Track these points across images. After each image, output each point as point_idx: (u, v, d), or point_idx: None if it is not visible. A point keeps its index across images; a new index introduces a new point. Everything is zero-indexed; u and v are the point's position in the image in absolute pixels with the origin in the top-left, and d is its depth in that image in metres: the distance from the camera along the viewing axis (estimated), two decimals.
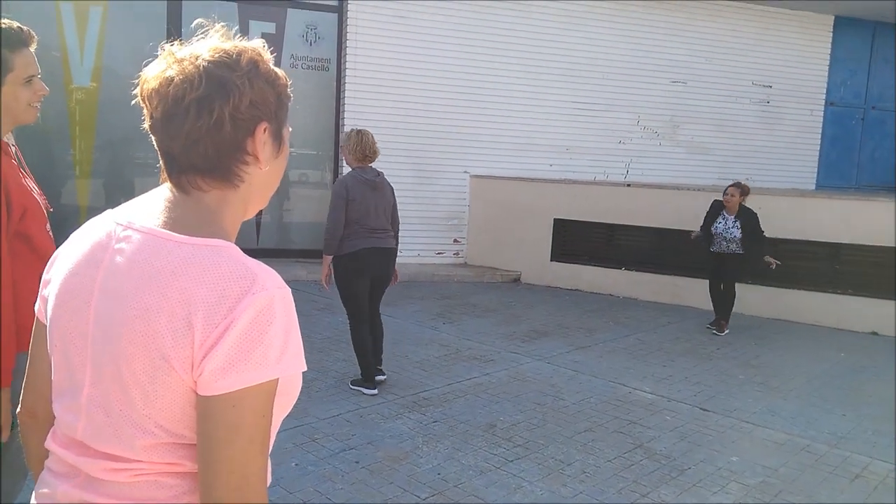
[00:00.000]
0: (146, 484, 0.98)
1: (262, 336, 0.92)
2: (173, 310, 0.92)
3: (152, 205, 1.03)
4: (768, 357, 5.88)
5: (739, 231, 6.36)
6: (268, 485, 1.07)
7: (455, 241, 9.08)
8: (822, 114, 10.78)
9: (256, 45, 1.05)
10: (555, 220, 8.55)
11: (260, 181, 1.06)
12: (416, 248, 8.86)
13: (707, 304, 7.10)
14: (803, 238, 7.17)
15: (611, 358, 5.55)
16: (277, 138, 1.06)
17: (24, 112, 1.87)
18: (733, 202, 6.38)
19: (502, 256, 8.83)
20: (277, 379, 0.94)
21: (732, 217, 6.43)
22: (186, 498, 0.99)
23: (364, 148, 4.58)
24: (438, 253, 9.00)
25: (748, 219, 6.38)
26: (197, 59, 0.99)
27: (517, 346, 5.71)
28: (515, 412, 4.25)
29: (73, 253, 1.07)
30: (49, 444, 1.08)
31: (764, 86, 10.35)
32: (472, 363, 5.18)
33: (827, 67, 10.68)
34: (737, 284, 6.69)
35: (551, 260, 8.55)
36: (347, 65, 8.42)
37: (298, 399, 1.04)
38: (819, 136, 10.84)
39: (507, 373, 5.00)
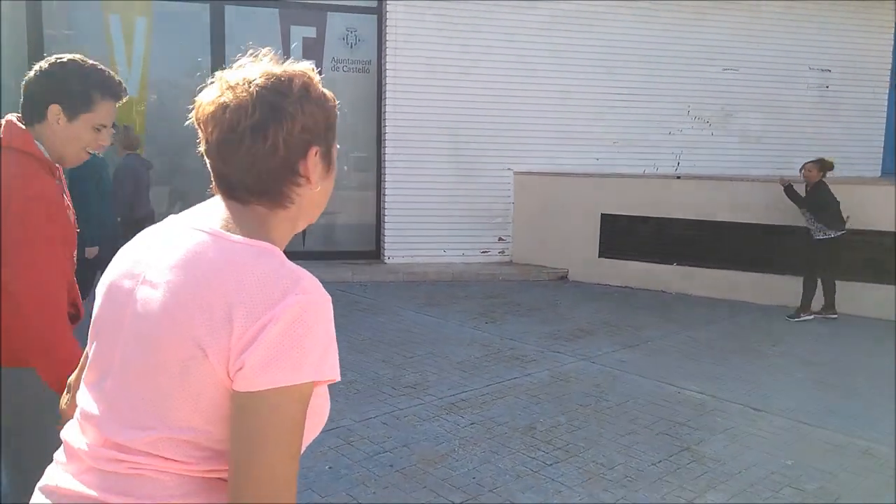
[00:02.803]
0: (144, 480, 0.97)
1: (303, 338, 0.93)
2: (215, 301, 0.94)
3: (211, 210, 1.06)
4: (828, 354, 5.58)
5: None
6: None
7: (500, 239, 8.97)
8: (886, 96, 10.22)
9: (306, 68, 1.08)
10: (602, 215, 8.35)
11: (310, 200, 1.09)
12: (460, 247, 8.80)
13: (763, 298, 6.97)
14: (867, 228, 6.79)
15: (659, 357, 5.36)
16: (327, 159, 1.10)
17: (76, 154, 1.89)
18: (810, 176, 6.57)
19: (549, 254, 8.67)
20: (313, 385, 0.95)
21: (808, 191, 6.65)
22: (181, 500, 0.97)
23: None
24: (483, 252, 8.91)
25: (818, 190, 6.50)
26: (250, 85, 1.01)
27: (561, 346, 5.57)
28: (556, 414, 4.13)
29: (130, 251, 1.11)
30: (63, 432, 1.10)
31: (822, 70, 9.88)
32: (514, 363, 5.08)
33: (891, 46, 10.11)
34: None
35: (599, 256, 8.35)
36: (388, 66, 8.41)
37: (335, 401, 1.01)
38: (884, 120, 10.29)
39: (549, 373, 4.88)
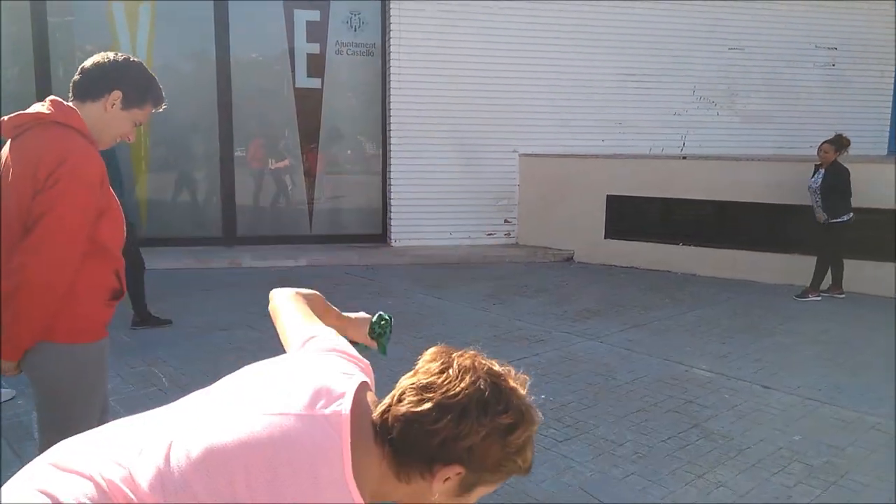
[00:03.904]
0: None
1: None
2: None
3: (368, 409, 1.08)
4: (836, 332, 5.60)
5: (821, 180, 6.49)
6: None
7: (506, 221, 8.98)
8: (893, 73, 10.16)
9: (534, 413, 1.07)
10: (608, 196, 8.36)
11: (420, 496, 1.06)
12: (466, 230, 8.82)
13: (770, 278, 7.02)
14: (873, 206, 6.78)
15: (667, 336, 5.39)
16: (466, 489, 1.05)
17: (111, 139, 2.05)
18: (826, 157, 6.52)
19: (554, 235, 8.69)
20: None
21: (822, 170, 6.56)
22: None
23: None
24: (489, 234, 8.93)
25: (835, 172, 6.44)
26: (472, 381, 1.02)
27: (569, 326, 5.61)
28: (566, 392, 4.17)
29: (303, 375, 1.13)
30: (88, 435, 1.11)
31: (829, 48, 9.82)
32: (522, 344, 5.11)
33: None
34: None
35: (605, 237, 8.38)
36: (392, 48, 8.39)
37: None
38: (890, 99, 10.23)
39: (557, 353, 4.92)
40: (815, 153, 6.65)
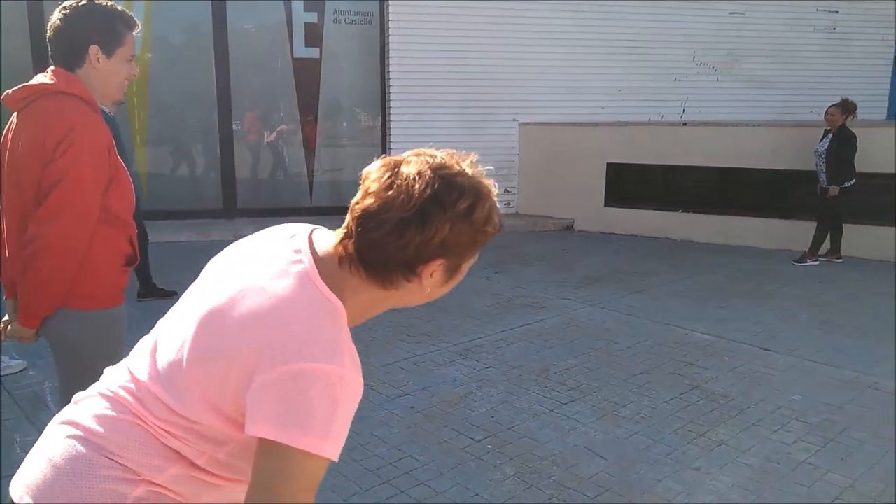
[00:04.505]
0: (131, 429, 1.08)
1: (316, 406, 0.95)
2: (265, 329, 1.00)
3: (328, 242, 1.11)
4: (833, 295, 5.67)
5: (827, 144, 6.49)
6: None
7: (506, 190, 8.99)
8: (893, 38, 10.10)
9: (486, 185, 1.07)
10: (608, 164, 8.37)
11: (412, 293, 1.10)
12: None
13: (768, 243, 7.05)
14: (872, 171, 6.80)
15: (667, 301, 5.45)
16: (452, 271, 1.10)
17: (119, 87, 2.01)
18: (833, 121, 6.50)
19: (554, 204, 8.72)
20: (321, 458, 0.97)
21: (831, 135, 6.55)
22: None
23: None
24: None
25: (841, 138, 6.43)
26: (426, 184, 1.01)
27: (570, 293, 5.67)
28: (569, 357, 4.24)
29: (255, 239, 1.20)
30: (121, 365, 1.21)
31: (830, 11, 9.74)
32: (525, 311, 5.17)
33: None
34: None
35: (605, 205, 8.40)
36: (390, 16, 8.32)
37: (356, 348, 1.08)
38: (891, 64, 10.19)
39: (560, 319, 4.98)
40: (815, 118, 6.65)
